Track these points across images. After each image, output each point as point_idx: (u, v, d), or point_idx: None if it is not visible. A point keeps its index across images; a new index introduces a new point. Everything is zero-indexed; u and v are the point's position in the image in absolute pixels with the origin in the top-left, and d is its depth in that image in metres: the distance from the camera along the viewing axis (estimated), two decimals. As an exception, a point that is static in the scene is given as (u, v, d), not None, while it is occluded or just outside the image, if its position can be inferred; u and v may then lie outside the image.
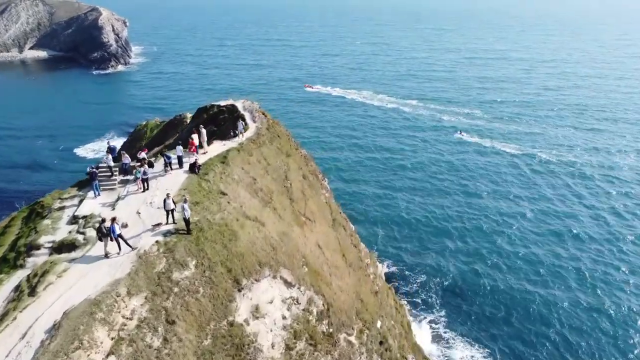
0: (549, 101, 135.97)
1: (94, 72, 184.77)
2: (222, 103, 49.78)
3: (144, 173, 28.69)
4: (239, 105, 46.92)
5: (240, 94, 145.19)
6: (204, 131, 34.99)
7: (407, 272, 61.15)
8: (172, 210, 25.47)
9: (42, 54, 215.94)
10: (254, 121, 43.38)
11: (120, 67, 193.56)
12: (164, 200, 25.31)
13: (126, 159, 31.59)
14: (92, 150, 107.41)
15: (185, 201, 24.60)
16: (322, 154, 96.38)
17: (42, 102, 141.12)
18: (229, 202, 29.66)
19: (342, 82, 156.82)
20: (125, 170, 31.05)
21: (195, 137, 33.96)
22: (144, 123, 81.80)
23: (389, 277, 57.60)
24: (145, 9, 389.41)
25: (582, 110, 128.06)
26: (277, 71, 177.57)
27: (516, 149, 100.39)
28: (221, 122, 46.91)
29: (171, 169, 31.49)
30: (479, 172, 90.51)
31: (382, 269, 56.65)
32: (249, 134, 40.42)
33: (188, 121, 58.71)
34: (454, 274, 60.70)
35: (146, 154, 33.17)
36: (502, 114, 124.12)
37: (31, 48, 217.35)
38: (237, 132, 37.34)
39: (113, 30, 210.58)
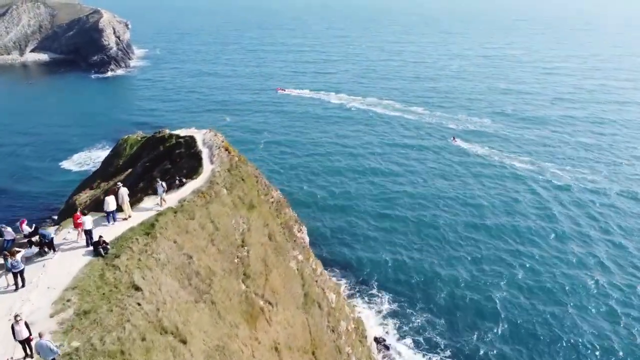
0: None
1: (93, 76, 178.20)
2: (182, 133, 41.25)
3: (13, 266, 19.96)
4: (199, 138, 38.28)
5: (235, 102, 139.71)
6: (123, 191, 26.05)
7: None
8: (28, 340, 16.74)
9: (43, 56, 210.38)
10: (212, 161, 34.60)
11: (119, 71, 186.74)
12: (12, 327, 16.62)
13: (8, 234, 22.92)
14: (78, 163, 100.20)
15: (41, 336, 15.87)
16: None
17: (34, 108, 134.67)
18: (139, 305, 20.93)
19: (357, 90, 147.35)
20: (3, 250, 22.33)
21: (110, 199, 25.07)
22: (125, 138, 73.16)
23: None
24: (151, 10, 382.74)
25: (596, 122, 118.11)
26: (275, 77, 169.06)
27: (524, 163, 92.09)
28: (177, 158, 38.35)
29: (52, 250, 22.73)
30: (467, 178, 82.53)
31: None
32: (199, 182, 31.62)
33: (166, 138, 50.09)
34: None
35: (27, 224, 24.06)
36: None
37: (32, 51, 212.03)
38: (160, 194, 27.80)
39: (114, 32, 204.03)
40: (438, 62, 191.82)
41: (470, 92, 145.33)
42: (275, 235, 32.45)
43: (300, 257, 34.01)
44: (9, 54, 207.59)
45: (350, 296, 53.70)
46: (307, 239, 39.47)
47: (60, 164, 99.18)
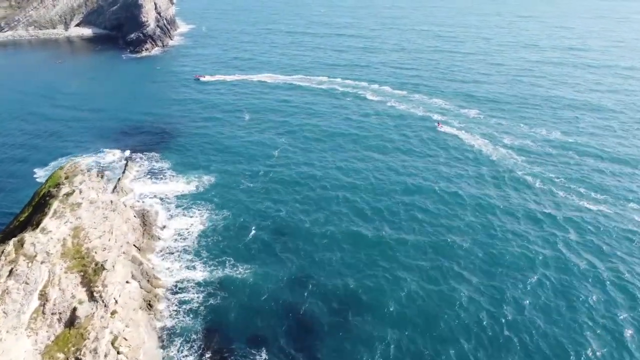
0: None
1: (124, 56, 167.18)
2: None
3: None
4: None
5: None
6: None
7: None
8: None
9: (87, 31, 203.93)
10: None
11: (155, 51, 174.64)
12: None
13: None
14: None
15: None
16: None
17: (48, 94, 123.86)
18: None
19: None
20: None
21: None
22: (59, 169, 56.35)
23: None
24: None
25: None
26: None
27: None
28: None
29: None
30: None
31: None
32: None
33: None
34: None
35: None
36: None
37: (77, 25, 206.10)
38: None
39: (155, 8, 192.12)
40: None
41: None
42: None
43: None
44: (54, 27, 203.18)
45: None
46: None
47: (35, 170, 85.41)
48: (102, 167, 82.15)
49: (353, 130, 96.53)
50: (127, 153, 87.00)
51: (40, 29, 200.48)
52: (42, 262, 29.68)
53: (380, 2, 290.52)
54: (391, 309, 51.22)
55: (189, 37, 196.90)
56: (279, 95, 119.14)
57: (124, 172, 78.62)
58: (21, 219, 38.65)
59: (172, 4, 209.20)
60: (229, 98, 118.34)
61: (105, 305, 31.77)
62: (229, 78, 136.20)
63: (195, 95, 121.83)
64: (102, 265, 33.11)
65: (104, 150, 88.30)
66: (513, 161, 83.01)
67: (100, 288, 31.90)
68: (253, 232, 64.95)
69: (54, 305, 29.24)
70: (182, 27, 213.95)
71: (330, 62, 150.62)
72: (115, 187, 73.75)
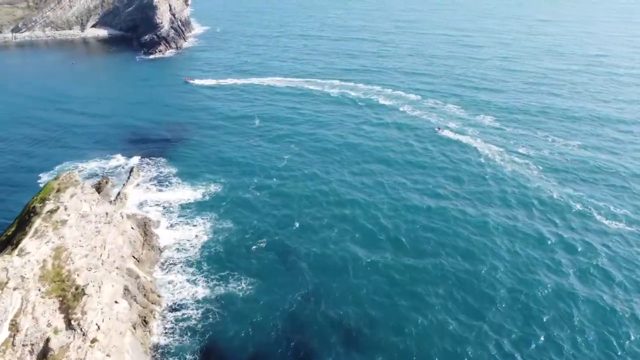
0: None
1: (137, 58, 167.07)
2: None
3: None
4: None
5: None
6: None
7: None
8: None
9: (102, 32, 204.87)
10: None
11: (168, 52, 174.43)
12: None
13: None
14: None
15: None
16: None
17: (57, 96, 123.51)
18: None
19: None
20: None
21: None
22: (54, 179, 54.24)
23: None
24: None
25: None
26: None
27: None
28: None
29: None
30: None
31: None
32: None
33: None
34: None
35: None
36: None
37: (93, 26, 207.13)
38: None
39: (170, 10, 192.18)
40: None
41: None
42: None
43: None
44: (70, 28, 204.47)
45: None
46: None
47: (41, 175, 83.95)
48: (107, 172, 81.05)
49: (364, 141, 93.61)
50: (134, 159, 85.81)
51: (56, 30, 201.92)
52: (14, 289, 27.98)
53: (396, 4, 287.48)
54: (398, 337, 48.48)
55: (203, 39, 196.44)
56: (289, 102, 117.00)
57: (128, 179, 77.31)
58: (8, 234, 37.14)
59: (187, 5, 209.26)
60: (239, 104, 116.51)
61: (83, 334, 29.94)
62: (222, 82, 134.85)
63: (204, 100, 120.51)
64: (82, 289, 31.35)
65: (110, 155, 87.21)
66: (529, 174, 79.75)
67: (79, 315, 30.12)
68: (258, 244, 62.87)
69: (26, 336, 27.53)
70: (197, 29, 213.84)
71: (342, 67, 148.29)
72: (118, 193, 72.49)
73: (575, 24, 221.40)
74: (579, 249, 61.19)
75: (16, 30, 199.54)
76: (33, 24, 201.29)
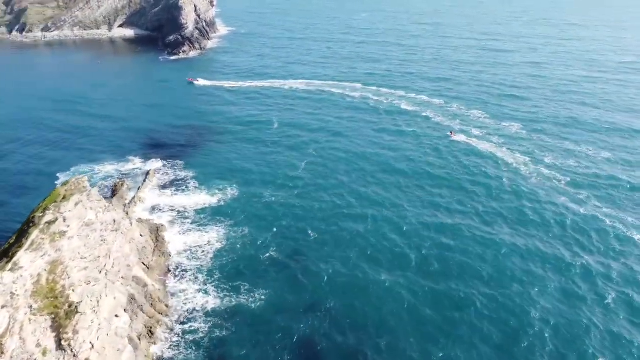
0: None
1: (161, 59, 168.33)
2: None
3: None
4: None
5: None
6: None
7: None
8: None
9: (129, 32, 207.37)
10: None
11: (192, 53, 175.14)
12: None
13: None
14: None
15: None
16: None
17: (80, 97, 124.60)
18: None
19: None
20: None
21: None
22: (62, 184, 52.96)
23: None
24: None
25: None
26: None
27: None
28: None
29: None
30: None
31: None
32: None
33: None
34: None
35: None
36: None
37: (120, 26, 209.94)
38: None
39: (195, 10, 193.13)
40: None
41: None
42: None
43: None
44: (98, 28, 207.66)
45: None
46: None
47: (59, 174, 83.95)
48: (123, 175, 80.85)
49: (383, 150, 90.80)
50: (150, 162, 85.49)
51: (85, 30, 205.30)
52: (2, 307, 26.98)
53: (423, 6, 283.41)
54: None
55: (227, 40, 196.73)
56: (309, 107, 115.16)
57: (144, 182, 76.93)
58: (10, 242, 36.51)
59: (213, 6, 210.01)
60: (259, 108, 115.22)
61: (74, 355, 28.83)
62: (226, 84, 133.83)
63: (223, 103, 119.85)
64: (75, 307, 30.25)
65: (127, 158, 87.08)
66: (557, 185, 76.25)
67: (70, 335, 28.99)
68: (272, 254, 61.28)
69: (11, 358, 26.51)
70: (222, 30, 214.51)
71: (365, 70, 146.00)
72: (134, 197, 72.07)
73: (607, 29, 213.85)
74: (621, 279, 57.21)
75: (46, 29, 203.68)
76: (62, 23, 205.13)
